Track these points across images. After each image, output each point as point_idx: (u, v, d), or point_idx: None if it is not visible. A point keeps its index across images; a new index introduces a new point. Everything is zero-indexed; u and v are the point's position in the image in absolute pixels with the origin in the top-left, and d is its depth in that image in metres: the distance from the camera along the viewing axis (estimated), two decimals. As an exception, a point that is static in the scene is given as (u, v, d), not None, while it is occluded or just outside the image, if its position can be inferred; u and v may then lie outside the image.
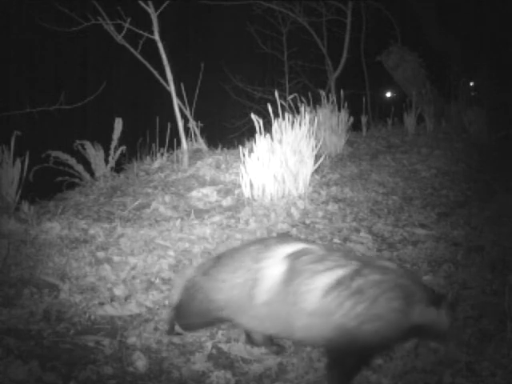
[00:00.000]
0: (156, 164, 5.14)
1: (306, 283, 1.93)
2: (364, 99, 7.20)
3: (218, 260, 2.18)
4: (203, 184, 4.47)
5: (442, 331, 2.01)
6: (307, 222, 3.69)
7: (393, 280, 1.97)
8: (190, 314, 2.19)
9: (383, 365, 2.16)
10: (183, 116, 5.52)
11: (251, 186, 4.08)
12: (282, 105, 4.37)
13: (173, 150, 5.26)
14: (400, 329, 1.95)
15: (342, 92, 5.79)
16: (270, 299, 1.96)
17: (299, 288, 1.93)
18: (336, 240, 3.39)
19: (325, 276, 1.93)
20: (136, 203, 3.98)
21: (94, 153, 4.86)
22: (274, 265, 1.99)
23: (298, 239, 2.26)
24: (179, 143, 5.22)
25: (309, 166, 4.23)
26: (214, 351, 2.27)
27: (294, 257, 1.98)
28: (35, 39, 9.21)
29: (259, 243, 2.12)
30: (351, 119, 5.94)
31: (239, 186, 4.20)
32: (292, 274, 1.95)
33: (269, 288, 1.97)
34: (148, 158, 5.32)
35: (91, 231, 3.39)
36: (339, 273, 1.93)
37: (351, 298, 1.90)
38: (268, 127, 4.26)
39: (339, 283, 1.91)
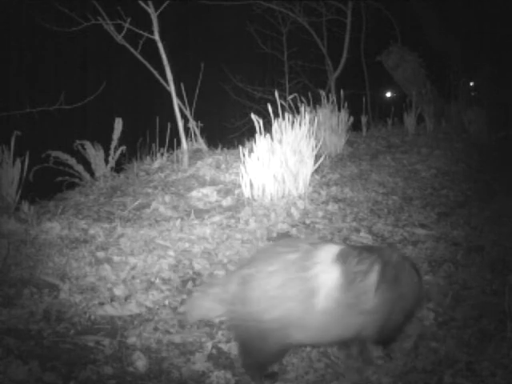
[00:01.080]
0: (156, 164, 5.14)
1: (360, 285, 1.92)
2: (364, 99, 7.20)
3: (255, 273, 1.99)
4: (203, 184, 4.47)
5: None
6: (307, 221, 3.69)
7: (404, 260, 2.10)
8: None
9: (383, 365, 2.16)
10: (183, 116, 5.52)
11: (251, 186, 4.08)
12: (281, 105, 4.37)
13: (173, 150, 5.26)
14: None
15: (342, 92, 5.80)
16: (329, 306, 1.91)
17: (357, 290, 1.92)
18: (336, 240, 3.39)
19: (371, 274, 1.94)
20: (136, 203, 3.99)
21: (93, 153, 4.86)
22: (325, 271, 1.92)
23: (327, 241, 2.22)
24: (179, 143, 5.22)
25: (309, 166, 4.23)
26: (214, 351, 2.27)
27: (341, 260, 1.94)
28: (35, 39, 9.20)
29: (293, 251, 1.99)
30: (351, 119, 5.93)
31: (239, 186, 4.20)
32: (347, 277, 1.92)
33: (326, 295, 1.90)
34: (148, 157, 5.32)
35: (91, 231, 3.39)
36: (378, 268, 1.96)
37: (395, 291, 1.98)
38: (268, 127, 4.25)
39: (383, 279, 1.95)
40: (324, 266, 1.93)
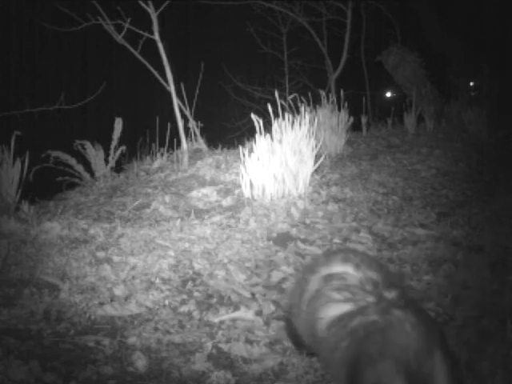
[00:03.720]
0: (156, 164, 5.14)
1: (319, 309, 1.93)
2: (364, 99, 7.21)
3: None
4: (203, 184, 4.47)
5: None
6: (307, 221, 3.69)
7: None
8: None
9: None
10: (183, 116, 5.52)
11: (251, 185, 4.08)
12: (281, 105, 4.37)
13: (173, 150, 5.26)
14: None
15: (342, 92, 5.79)
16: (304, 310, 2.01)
17: (315, 310, 1.94)
18: (336, 240, 3.39)
19: (335, 308, 1.87)
20: (136, 203, 3.99)
21: (94, 153, 4.86)
22: (313, 282, 2.00)
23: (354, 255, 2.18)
24: (179, 143, 5.22)
25: (309, 166, 4.23)
26: (214, 351, 2.27)
27: (326, 279, 1.95)
28: (35, 39, 9.21)
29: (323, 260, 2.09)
30: (351, 119, 5.93)
31: (239, 186, 4.20)
32: (317, 295, 1.95)
33: (305, 300, 2.00)
34: (148, 157, 5.32)
35: (91, 231, 3.39)
36: (344, 308, 1.83)
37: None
38: (268, 127, 4.26)
39: (340, 319, 1.82)
40: (315, 278, 1.99)
